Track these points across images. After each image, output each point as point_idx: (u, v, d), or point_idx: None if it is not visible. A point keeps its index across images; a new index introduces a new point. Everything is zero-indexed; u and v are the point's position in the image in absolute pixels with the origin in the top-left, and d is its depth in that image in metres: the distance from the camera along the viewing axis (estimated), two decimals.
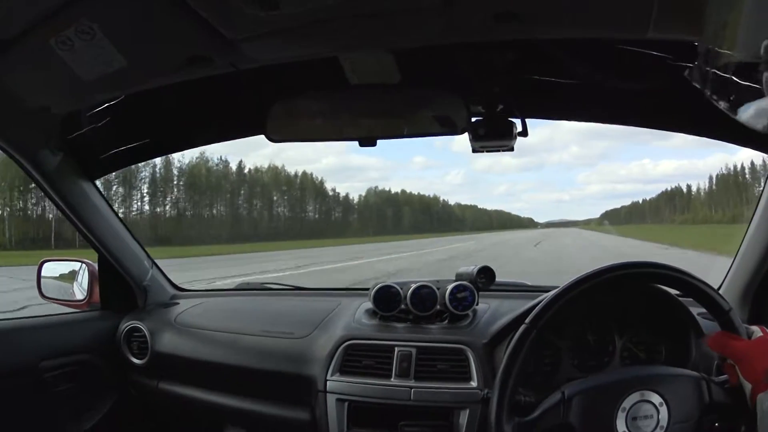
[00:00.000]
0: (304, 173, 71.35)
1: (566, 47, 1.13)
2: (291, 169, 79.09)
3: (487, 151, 1.30)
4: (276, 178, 66.76)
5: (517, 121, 1.28)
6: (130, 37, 0.95)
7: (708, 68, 0.68)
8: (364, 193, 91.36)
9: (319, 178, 76.39)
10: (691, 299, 1.08)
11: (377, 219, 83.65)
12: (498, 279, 1.57)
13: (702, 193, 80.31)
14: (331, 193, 76.68)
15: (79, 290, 1.84)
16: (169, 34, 0.96)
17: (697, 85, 0.75)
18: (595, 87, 1.27)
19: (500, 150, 1.29)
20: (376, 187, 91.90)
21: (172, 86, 1.18)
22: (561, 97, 1.33)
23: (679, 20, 0.84)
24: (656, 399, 0.92)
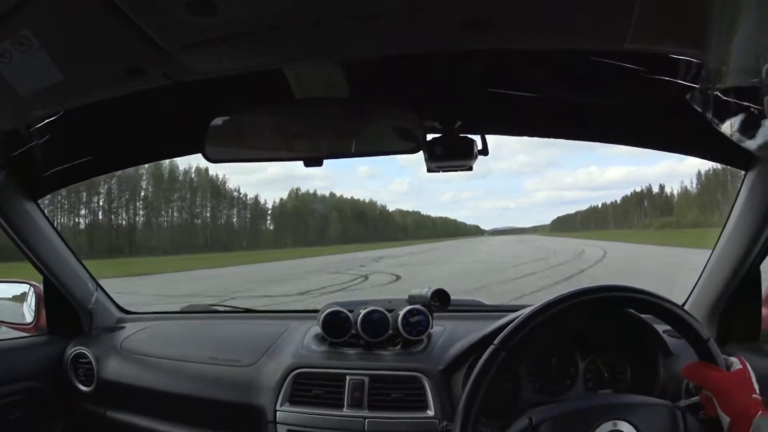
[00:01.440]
0: (198, 168, 59.86)
1: (533, 60, 1.09)
2: (183, 166, 60.91)
3: (444, 171, 1.24)
4: (157, 174, 55.58)
5: (477, 138, 1.23)
6: (67, 48, 0.91)
7: (708, 89, 0.65)
8: (285, 196, 78.81)
9: (221, 176, 64.50)
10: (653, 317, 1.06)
11: (298, 227, 72.73)
12: (453, 297, 1.53)
13: (691, 193, 76.38)
14: (235, 195, 65.95)
15: (28, 313, 1.77)
16: (105, 45, 0.92)
17: (698, 108, 0.71)
18: (562, 102, 1.23)
19: (458, 169, 1.24)
20: (298, 189, 79.15)
21: (111, 102, 1.12)
22: (525, 112, 1.28)
23: (659, 31, 0.82)
24: (629, 429, 0.87)
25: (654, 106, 1.19)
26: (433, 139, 1.18)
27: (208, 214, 61.86)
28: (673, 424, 0.89)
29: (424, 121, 1.15)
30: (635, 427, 0.87)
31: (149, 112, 1.31)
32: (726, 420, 0.88)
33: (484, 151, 1.21)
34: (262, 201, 72.43)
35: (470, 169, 1.23)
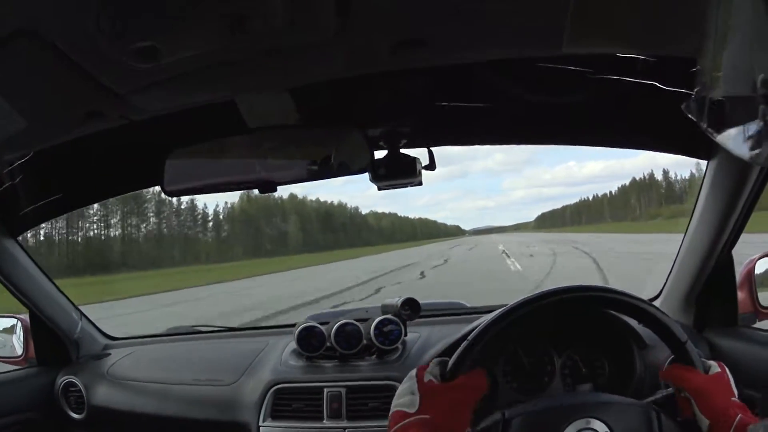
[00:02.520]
0: None
1: (477, 69, 1.10)
2: None
3: (393, 188, 1.26)
4: None
5: (424, 152, 1.25)
6: (27, 97, 0.96)
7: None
8: (236, 201, 69.80)
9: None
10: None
11: (250, 235, 64.94)
12: (430, 301, 1.57)
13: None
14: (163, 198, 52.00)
15: (18, 346, 1.83)
16: (62, 93, 0.96)
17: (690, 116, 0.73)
18: (509, 108, 1.26)
19: (407, 186, 1.26)
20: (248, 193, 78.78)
21: (75, 141, 1.17)
22: (472, 122, 1.31)
23: (595, 34, 0.83)
24: (602, 428, 0.87)
25: (609, 105, 1.22)
26: (377, 159, 1.20)
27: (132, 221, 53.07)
28: (648, 424, 0.89)
29: (369, 140, 1.17)
30: (608, 426, 0.87)
31: (111, 147, 1.36)
32: (705, 423, 0.89)
33: (430, 167, 1.24)
34: (200, 206, 63.45)
35: (420, 184, 1.25)
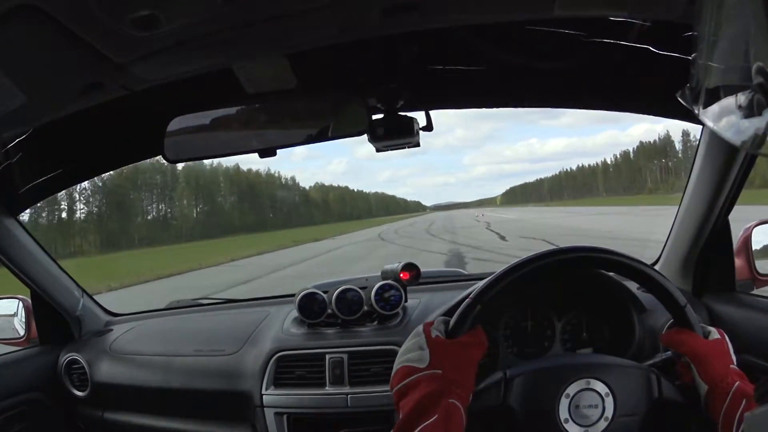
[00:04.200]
0: None
1: (470, 33, 1.15)
2: None
3: (392, 149, 1.32)
4: None
5: (421, 114, 1.30)
6: (26, 72, 0.98)
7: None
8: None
9: None
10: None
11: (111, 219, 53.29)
12: (430, 269, 1.61)
13: None
14: None
15: (19, 327, 1.87)
16: (61, 65, 0.98)
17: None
18: (504, 71, 1.30)
19: (405, 146, 1.31)
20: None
21: (75, 115, 1.19)
22: (467, 85, 1.35)
23: None
24: (602, 388, 0.90)
25: (605, 68, 1.25)
26: (375, 120, 1.25)
27: None
28: (648, 386, 0.92)
29: (368, 104, 1.22)
30: (609, 387, 0.91)
31: (111, 120, 1.39)
32: (703, 388, 0.91)
33: (428, 128, 1.29)
34: None
35: (417, 145, 1.30)
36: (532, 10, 0.93)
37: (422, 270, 1.59)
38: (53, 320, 1.84)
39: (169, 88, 1.15)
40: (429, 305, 1.53)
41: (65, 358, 1.78)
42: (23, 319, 1.87)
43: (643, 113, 1.48)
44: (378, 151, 1.31)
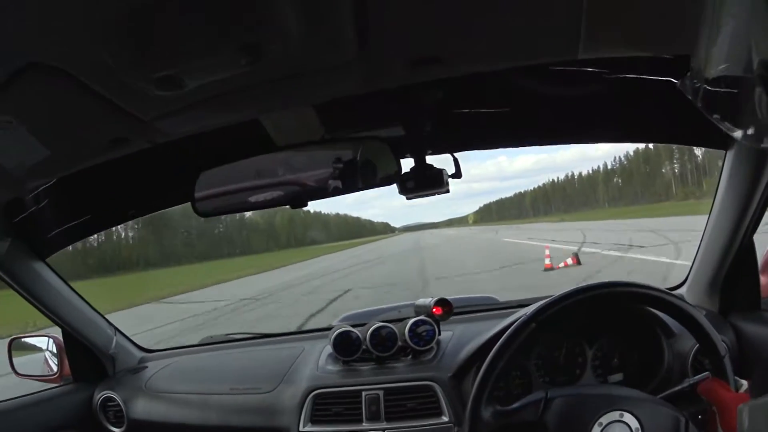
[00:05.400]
0: None
1: (495, 76, 1.14)
2: None
3: (419, 198, 1.34)
4: None
5: (448, 158, 1.34)
6: (50, 128, 1.00)
7: (697, 83, 0.71)
8: None
9: None
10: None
11: None
12: (461, 296, 1.65)
13: None
14: None
15: (52, 364, 1.93)
16: (87, 123, 1.01)
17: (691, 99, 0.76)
18: (529, 111, 1.34)
19: (433, 194, 1.34)
20: None
21: (101, 164, 1.23)
22: (492, 126, 1.38)
23: (610, 38, 0.88)
24: (634, 423, 0.96)
25: (626, 101, 1.29)
26: (404, 174, 1.29)
27: None
28: (675, 429, 0.97)
29: (395, 152, 1.25)
30: (640, 422, 0.96)
31: (138, 169, 1.43)
32: None
33: (457, 174, 1.33)
34: None
35: (447, 191, 1.33)
36: (559, 55, 0.96)
37: (454, 298, 1.63)
38: (86, 358, 1.90)
39: (196, 137, 1.18)
40: (462, 337, 1.57)
41: (100, 395, 1.84)
42: (54, 358, 1.93)
43: (666, 142, 1.52)
44: (408, 199, 1.35)
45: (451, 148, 1.35)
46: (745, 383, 1.04)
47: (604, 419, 0.96)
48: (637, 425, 0.95)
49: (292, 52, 0.83)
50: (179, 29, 0.75)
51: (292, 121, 1.25)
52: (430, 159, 1.33)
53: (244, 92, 0.96)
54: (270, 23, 0.77)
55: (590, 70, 1.18)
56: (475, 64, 0.99)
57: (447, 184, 1.31)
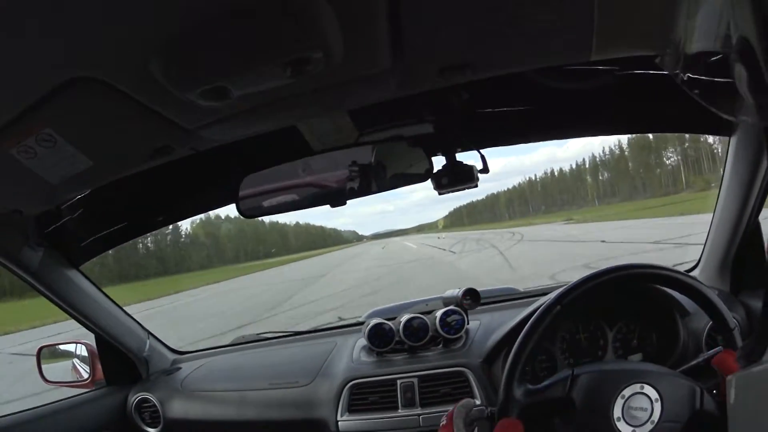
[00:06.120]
0: None
1: (514, 77, 1.21)
2: None
3: (451, 192, 1.43)
4: None
5: (476, 156, 1.43)
6: (92, 139, 1.03)
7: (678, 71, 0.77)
8: None
9: None
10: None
11: None
12: (485, 288, 1.75)
13: None
14: None
15: (82, 370, 1.99)
16: (130, 133, 1.05)
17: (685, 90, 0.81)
18: (548, 107, 1.43)
19: (465, 189, 1.43)
20: None
21: (140, 172, 1.26)
22: (515, 123, 1.48)
23: (621, 39, 0.95)
24: (653, 394, 1.03)
25: (635, 95, 1.37)
26: (438, 171, 1.38)
27: None
28: (692, 398, 1.04)
29: (428, 150, 1.34)
30: (659, 393, 1.03)
31: (178, 175, 1.49)
32: None
33: (485, 170, 1.42)
34: None
35: (476, 186, 1.42)
36: (572, 57, 1.04)
37: (480, 290, 1.74)
38: (119, 362, 1.96)
39: (238, 144, 1.23)
40: (489, 326, 1.67)
41: (135, 397, 1.90)
42: (85, 363, 1.98)
43: (673, 131, 1.61)
44: (440, 194, 1.43)
45: (478, 145, 1.44)
46: None
47: (627, 391, 1.03)
48: (657, 396, 1.02)
49: (331, 64, 0.88)
50: (228, 45, 0.79)
51: (328, 126, 1.33)
52: (461, 157, 1.42)
53: (284, 101, 1.01)
54: (312, 38, 0.82)
55: (601, 67, 1.26)
56: (500, 68, 1.06)
57: (477, 179, 1.40)
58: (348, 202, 1.36)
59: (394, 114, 1.38)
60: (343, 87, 1.01)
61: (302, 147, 1.36)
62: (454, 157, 1.40)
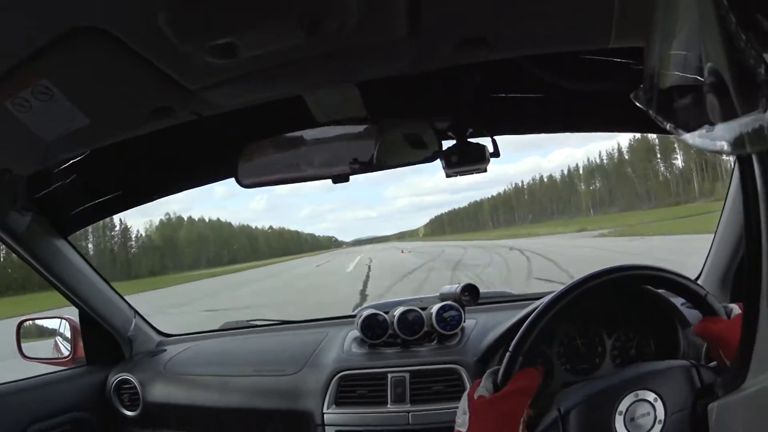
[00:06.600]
0: None
1: (530, 62, 1.22)
2: None
3: (461, 175, 1.40)
4: None
5: (488, 141, 1.39)
6: (91, 95, 0.99)
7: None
8: None
9: None
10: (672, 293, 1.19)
11: None
12: (481, 291, 1.70)
13: None
14: None
15: (63, 347, 1.93)
16: (130, 90, 1.01)
17: None
18: (562, 98, 1.39)
19: (474, 173, 1.40)
20: None
21: (138, 137, 1.23)
22: (529, 111, 1.44)
23: (640, 27, 0.93)
24: (650, 396, 0.96)
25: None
26: (448, 148, 1.34)
27: None
28: (690, 380, 0.98)
29: (437, 131, 1.30)
30: (655, 392, 0.97)
31: (178, 143, 1.45)
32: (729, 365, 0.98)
33: (496, 154, 1.38)
34: None
35: (485, 170, 1.38)
36: (591, 42, 1.01)
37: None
38: (102, 340, 1.90)
39: (241, 112, 1.19)
40: (486, 325, 1.61)
41: (115, 378, 1.84)
42: (66, 341, 1.92)
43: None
44: (448, 176, 1.39)
45: (489, 131, 1.40)
46: (735, 306, 1.05)
47: (622, 406, 0.97)
48: (654, 395, 0.97)
49: (346, 26, 0.85)
50: None
51: (336, 99, 1.28)
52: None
53: (294, 65, 0.98)
54: None
55: (617, 60, 1.23)
56: (517, 48, 1.04)
57: (488, 160, 1.36)
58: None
59: (406, 93, 1.35)
60: (356, 54, 0.98)
61: (303, 119, 1.31)
62: (465, 137, 1.37)
